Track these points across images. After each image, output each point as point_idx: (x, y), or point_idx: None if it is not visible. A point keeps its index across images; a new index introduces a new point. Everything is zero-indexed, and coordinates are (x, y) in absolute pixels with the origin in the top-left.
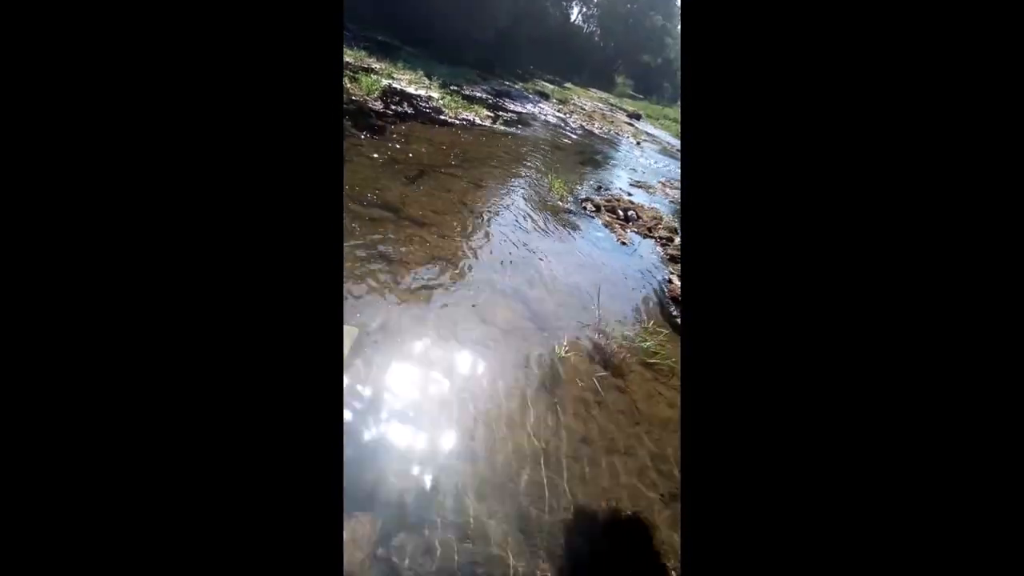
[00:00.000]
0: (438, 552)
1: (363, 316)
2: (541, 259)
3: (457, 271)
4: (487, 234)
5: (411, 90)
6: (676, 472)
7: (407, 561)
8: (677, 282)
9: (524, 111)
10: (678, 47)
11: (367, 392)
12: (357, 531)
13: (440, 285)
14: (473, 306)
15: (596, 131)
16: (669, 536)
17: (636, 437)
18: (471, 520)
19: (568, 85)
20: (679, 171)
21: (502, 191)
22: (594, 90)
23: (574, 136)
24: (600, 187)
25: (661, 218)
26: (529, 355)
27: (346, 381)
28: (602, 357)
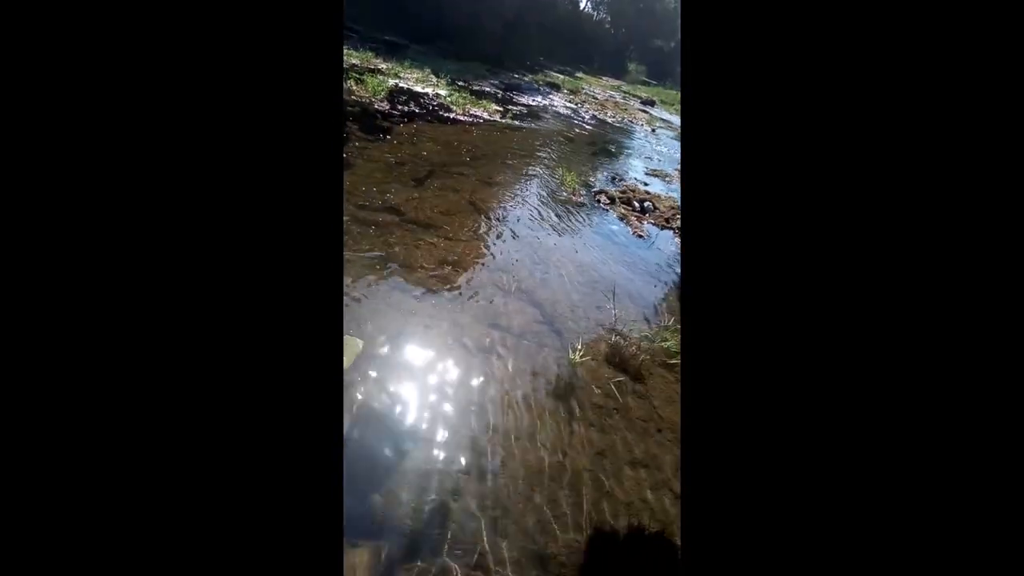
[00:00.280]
0: None
1: (367, 326)
2: (553, 257)
3: (465, 275)
4: (496, 234)
5: (418, 89)
6: None
7: None
8: None
9: (534, 104)
10: None
11: (371, 408)
12: (359, 561)
13: (448, 291)
14: (482, 311)
15: (609, 120)
16: None
17: (658, 446)
18: (484, 546)
19: (579, 74)
20: None
21: (512, 188)
22: (606, 78)
23: (586, 126)
24: (614, 178)
25: (679, 208)
26: (542, 361)
27: (348, 395)
28: (619, 360)
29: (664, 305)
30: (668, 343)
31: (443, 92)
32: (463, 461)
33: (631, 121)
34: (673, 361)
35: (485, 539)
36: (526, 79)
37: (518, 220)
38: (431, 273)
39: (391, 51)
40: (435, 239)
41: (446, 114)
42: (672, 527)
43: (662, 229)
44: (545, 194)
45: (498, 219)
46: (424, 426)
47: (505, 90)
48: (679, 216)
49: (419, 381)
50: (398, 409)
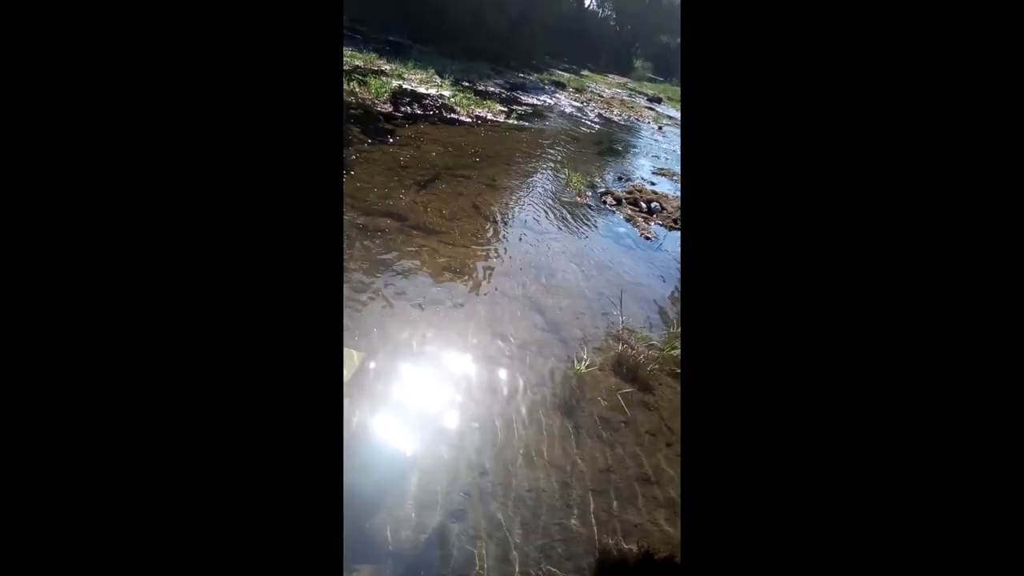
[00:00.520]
0: None
1: (366, 338)
2: (558, 262)
3: (468, 282)
4: (500, 239)
5: (422, 90)
6: None
7: None
8: None
9: (539, 103)
10: None
11: (369, 424)
12: None
13: (450, 299)
14: (485, 320)
15: (615, 118)
16: None
17: (668, 461)
18: (485, 574)
19: (585, 72)
20: None
21: (516, 191)
22: (612, 76)
23: (592, 125)
24: (621, 178)
25: None
26: (547, 372)
27: (346, 412)
28: (627, 369)
29: (673, 311)
30: (677, 351)
31: (447, 93)
32: (464, 480)
33: (637, 119)
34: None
35: (487, 565)
36: (531, 78)
37: (523, 224)
38: (434, 281)
39: (395, 52)
40: (438, 245)
41: (450, 115)
42: None
43: (670, 230)
44: (550, 196)
45: (502, 223)
46: (425, 444)
47: (510, 90)
48: None
49: (419, 396)
50: (397, 426)
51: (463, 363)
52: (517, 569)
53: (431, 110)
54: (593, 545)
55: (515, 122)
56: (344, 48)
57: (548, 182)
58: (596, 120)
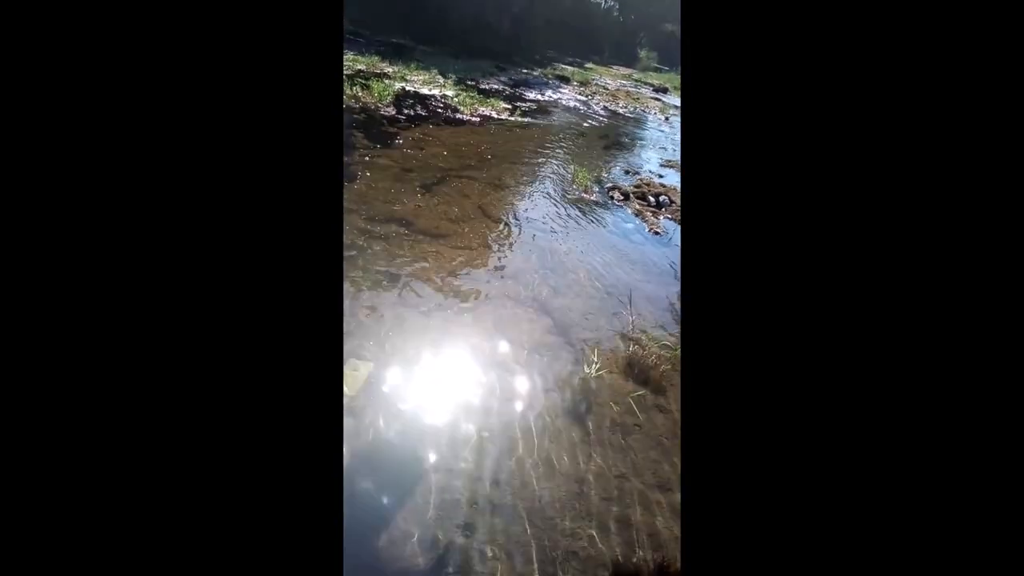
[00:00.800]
0: None
1: (374, 347)
2: (565, 262)
3: (475, 286)
4: (507, 240)
5: (425, 91)
6: None
7: None
8: None
9: (544, 99)
10: None
11: (378, 435)
12: None
13: (458, 305)
14: (493, 324)
15: (621, 111)
16: None
17: None
18: None
19: (589, 65)
20: None
21: (522, 190)
22: (617, 67)
23: (598, 119)
24: (628, 171)
25: None
26: (556, 377)
27: (354, 423)
28: (638, 371)
29: None
30: None
31: (450, 93)
32: (475, 492)
33: (644, 110)
34: None
35: None
36: (535, 74)
37: (529, 224)
38: (441, 286)
39: (398, 54)
40: (444, 249)
41: (454, 115)
42: None
43: (679, 224)
44: (556, 194)
45: (508, 224)
46: (434, 454)
47: (513, 87)
48: None
49: (428, 405)
50: (406, 436)
51: (472, 370)
52: None
53: (435, 111)
54: (609, 557)
55: (519, 119)
56: (346, 52)
57: (554, 179)
58: (601, 113)
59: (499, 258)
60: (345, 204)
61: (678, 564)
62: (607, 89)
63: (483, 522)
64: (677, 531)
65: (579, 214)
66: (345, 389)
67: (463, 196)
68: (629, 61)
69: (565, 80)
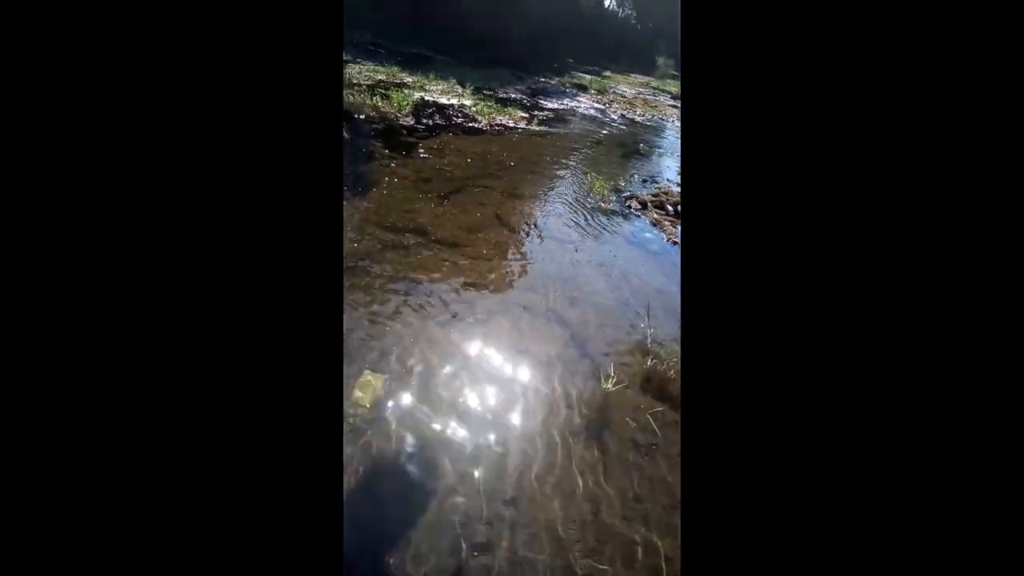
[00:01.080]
0: None
1: (388, 359)
2: (582, 272)
3: (491, 297)
4: (522, 250)
5: (443, 101)
6: None
7: None
8: None
9: (561, 107)
10: None
11: (390, 450)
12: None
13: (472, 315)
14: (508, 336)
15: (638, 119)
16: None
17: None
18: None
19: (607, 73)
20: None
21: (538, 198)
22: (635, 75)
23: (615, 127)
24: (646, 180)
25: None
26: (572, 391)
27: (366, 437)
28: (657, 386)
29: None
30: None
31: (468, 102)
32: (488, 510)
33: (662, 118)
34: None
35: None
36: (552, 82)
37: (545, 233)
38: (456, 297)
39: (417, 64)
40: (460, 259)
41: (471, 124)
42: None
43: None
44: (573, 203)
45: (524, 233)
46: (446, 470)
47: (531, 95)
48: None
49: (442, 418)
50: (419, 451)
51: (486, 384)
52: None
53: (453, 120)
54: None
55: (537, 128)
56: (367, 62)
57: (571, 188)
58: (619, 121)
59: (515, 268)
60: (362, 213)
61: None
62: (624, 97)
63: (495, 543)
64: None
65: (596, 223)
66: (359, 401)
67: (480, 205)
68: (647, 68)
69: (583, 88)
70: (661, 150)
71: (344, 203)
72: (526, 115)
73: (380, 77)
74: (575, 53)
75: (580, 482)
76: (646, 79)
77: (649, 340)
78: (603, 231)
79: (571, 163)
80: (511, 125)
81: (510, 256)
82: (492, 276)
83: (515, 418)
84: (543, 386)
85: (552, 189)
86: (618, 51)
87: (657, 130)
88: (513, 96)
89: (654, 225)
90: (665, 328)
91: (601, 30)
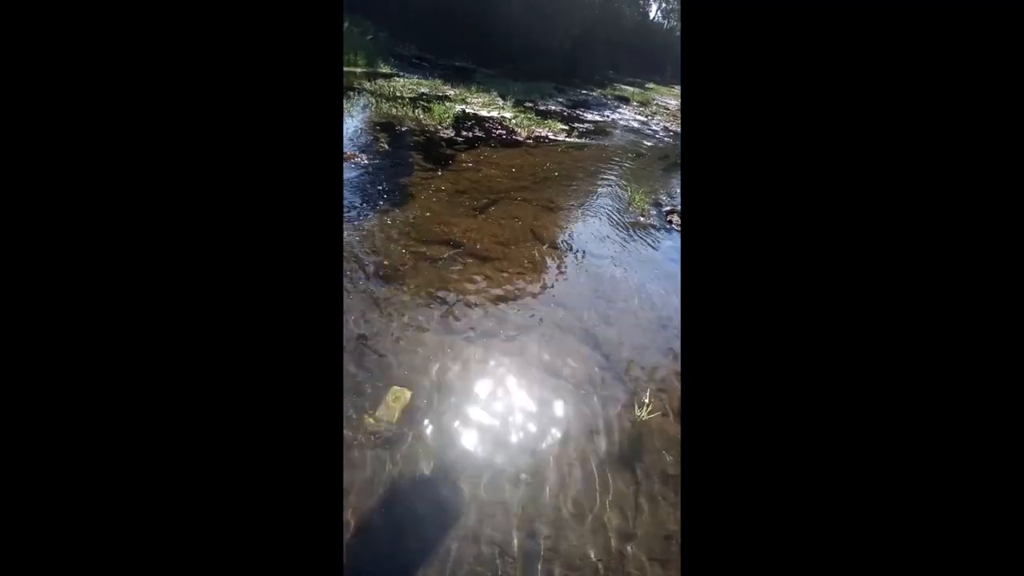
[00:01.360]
0: None
1: (416, 374)
2: (617, 290)
3: (523, 313)
4: (556, 265)
5: (484, 113)
6: None
7: None
8: None
9: (602, 119)
10: None
11: (413, 470)
12: None
13: (503, 332)
14: (539, 355)
15: None
16: None
17: None
18: None
19: (650, 85)
20: None
21: (574, 212)
22: (679, 87)
23: (657, 140)
24: None
25: None
26: (604, 418)
27: (391, 455)
28: None
29: None
30: None
31: (508, 114)
32: (512, 542)
33: None
34: None
35: None
36: (594, 94)
37: (580, 248)
38: (486, 312)
39: (460, 76)
40: (493, 273)
41: (510, 136)
42: None
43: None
44: (611, 217)
45: (559, 248)
46: (469, 496)
47: (572, 107)
48: None
49: (467, 439)
50: (442, 474)
51: (514, 405)
52: None
53: (492, 133)
54: None
55: (576, 140)
56: (411, 75)
57: (609, 202)
58: (661, 134)
59: (548, 283)
60: (397, 225)
61: None
62: (667, 109)
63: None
64: None
65: (634, 238)
66: (386, 416)
67: (514, 218)
68: None
69: (624, 100)
70: None
71: (378, 215)
72: (566, 127)
73: (423, 90)
74: (617, 65)
75: (610, 515)
76: None
77: None
78: (641, 246)
79: (610, 176)
80: (550, 137)
81: (543, 271)
82: (524, 291)
83: (542, 444)
84: (573, 410)
85: (589, 202)
86: (662, 63)
87: None
88: (553, 108)
89: None
90: None
91: (645, 43)
